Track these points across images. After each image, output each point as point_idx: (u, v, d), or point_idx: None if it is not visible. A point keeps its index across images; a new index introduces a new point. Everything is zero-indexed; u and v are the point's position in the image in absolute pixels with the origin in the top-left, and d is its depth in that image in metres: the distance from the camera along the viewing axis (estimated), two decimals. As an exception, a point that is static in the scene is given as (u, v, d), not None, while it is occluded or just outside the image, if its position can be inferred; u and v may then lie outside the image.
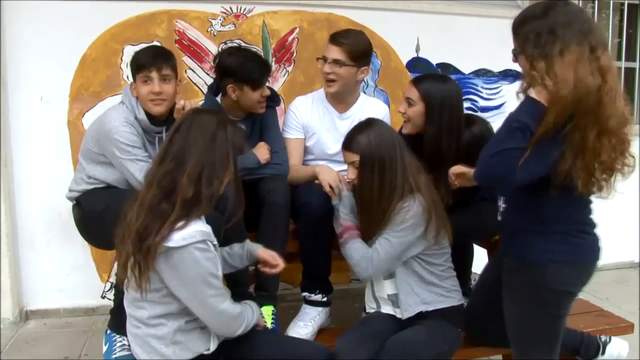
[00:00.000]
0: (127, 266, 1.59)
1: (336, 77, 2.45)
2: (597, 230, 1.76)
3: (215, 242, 1.67)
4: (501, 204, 1.85)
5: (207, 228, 1.63)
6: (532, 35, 1.61)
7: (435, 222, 1.93)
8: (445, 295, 2.01)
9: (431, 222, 1.92)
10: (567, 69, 1.53)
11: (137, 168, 2.15)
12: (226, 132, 1.67)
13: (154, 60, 2.19)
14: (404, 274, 1.99)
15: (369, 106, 2.62)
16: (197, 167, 1.59)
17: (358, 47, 2.43)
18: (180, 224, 1.55)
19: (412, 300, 1.98)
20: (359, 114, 2.55)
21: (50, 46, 3.00)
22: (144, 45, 3.05)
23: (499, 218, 1.87)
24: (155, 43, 3.11)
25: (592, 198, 1.72)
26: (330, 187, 2.20)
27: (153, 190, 1.59)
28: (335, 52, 2.42)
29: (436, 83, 2.28)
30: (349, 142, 2.03)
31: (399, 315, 2.01)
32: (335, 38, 2.44)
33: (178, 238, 1.54)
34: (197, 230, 1.57)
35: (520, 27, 1.67)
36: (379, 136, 1.98)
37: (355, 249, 2.01)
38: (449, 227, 1.98)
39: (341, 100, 2.57)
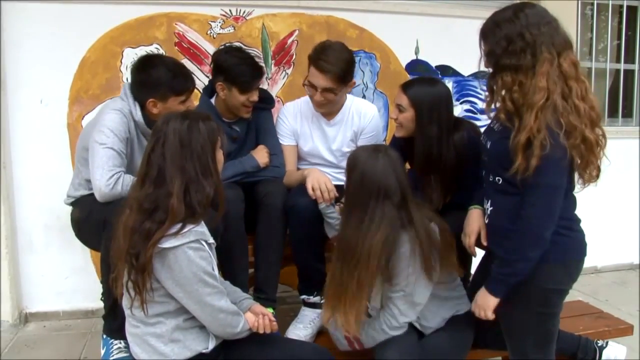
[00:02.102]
0: (124, 285, 1.61)
1: (327, 102, 2.41)
2: (582, 225, 1.79)
3: (211, 241, 1.67)
4: (488, 207, 1.85)
5: (201, 227, 1.63)
6: (504, 41, 1.66)
7: (439, 262, 1.85)
8: (457, 302, 2.01)
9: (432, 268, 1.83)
10: (539, 79, 1.61)
11: (108, 156, 2.07)
12: (200, 133, 1.65)
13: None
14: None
15: (356, 108, 2.56)
16: (182, 185, 1.59)
17: (345, 69, 2.34)
18: (173, 230, 1.56)
19: (434, 322, 1.97)
20: (346, 118, 2.55)
21: (50, 49, 3.01)
22: (144, 48, 3.09)
23: (486, 220, 1.88)
24: (155, 46, 3.12)
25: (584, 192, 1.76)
26: (314, 190, 2.20)
27: (134, 214, 1.60)
28: (323, 81, 2.32)
29: (424, 87, 2.24)
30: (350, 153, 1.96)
31: (421, 329, 1.99)
32: (320, 65, 2.31)
33: (172, 239, 1.56)
34: (190, 230, 1.58)
35: (491, 33, 1.71)
36: (367, 170, 1.82)
37: (373, 335, 1.91)
38: (456, 261, 1.92)
39: (330, 110, 2.53)
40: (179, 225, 1.57)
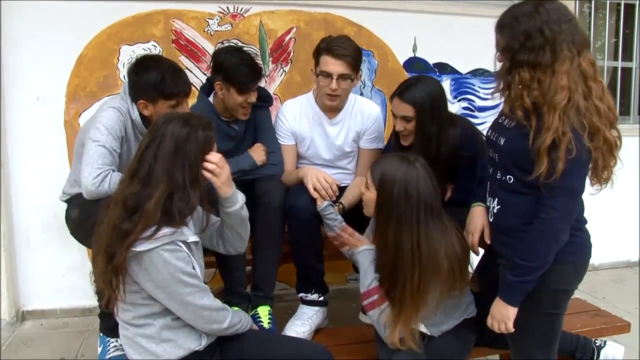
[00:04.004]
0: (103, 281, 1.60)
1: (342, 92, 2.40)
2: (587, 226, 1.78)
3: (191, 240, 1.64)
4: (494, 205, 1.82)
5: (179, 229, 1.59)
6: (522, 36, 1.62)
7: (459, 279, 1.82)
8: (467, 307, 1.98)
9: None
10: (561, 77, 1.57)
11: (98, 153, 2.06)
12: (197, 143, 1.63)
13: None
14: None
15: (359, 108, 2.56)
16: (165, 191, 1.57)
17: (357, 55, 2.37)
18: (147, 233, 1.54)
19: (445, 327, 1.93)
20: (348, 118, 2.54)
21: (47, 46, 3.00)
22: (141, 45, 3.08)
23: (490, 219, 1.85)
24: (152, 43, 3.11)
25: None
26: (316, 190, 2.20)
27: (119, 210, 1.58)
28: (340, 67, 2.32)
29: (420, 89, 2.21)
30: (372, 166, 1.90)
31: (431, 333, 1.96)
32: (335, 51, 2.31)
33: (145, 243, 1.54)
34: (164, 233, 1.56)
35: (508, 27, 1.66)
36: (411, 183, 1.77)
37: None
38: (469, 271, 1.91)
39: (336, 107, 2.52)
40: (153, 228, 1.55)
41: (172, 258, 1.56)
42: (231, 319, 1.72)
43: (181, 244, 1.60)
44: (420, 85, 2.23)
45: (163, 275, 1.56)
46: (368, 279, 1.87)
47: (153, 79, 2.12)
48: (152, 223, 1.54)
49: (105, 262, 1.56)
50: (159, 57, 2.35)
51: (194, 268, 1.63)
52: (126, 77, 2.28)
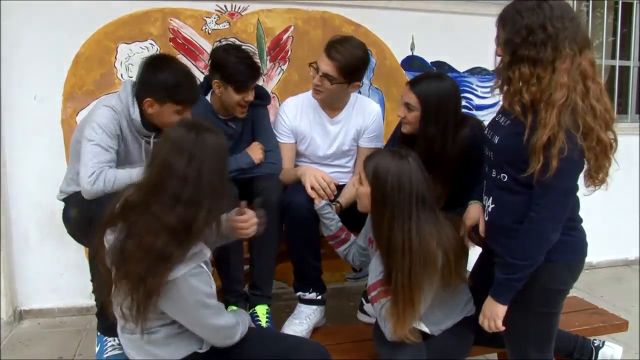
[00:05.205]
0: (120, 306, 1.57)
1: (324, 90, 2.39)
2: (583, 225, 1.78)
3: (207, 258, 1.61)
4: (489, 204, 1.82)
5: (201, 246, 1.57)
6: (524, 31, 1.61)
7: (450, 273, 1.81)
8: (466, 305, 1.97)
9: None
10: (561, 75, 1.57)
11: (93, 152, 2.05)
12: (226, 154, 1.64)
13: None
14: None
15: (359, 107, 2.57)
16: (210, 206, 1.54)
17: (350, 64, 2.32)
18: (179, 259, 1.51)
19: (444, 325, 1.93)
20: (349, 117, 2.54)
21: (44, 44, 2.98)
22: (138, 44, 3.08)
23: (486, 218, 1.85)
24: (150, 42, 3.10)
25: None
26: (314, 189, 2.20)
27: (165, 237, 1.49)
28: (325, 66, 2.32)
29: (432, 85, 2.21)
30: (366, 161, 1.90)
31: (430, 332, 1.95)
32: (330, 50, 2.31)
33: (179, 266, 1.51)
34: (193, 254, 1.53)
35: (511, 20, 1.65)
36: (404, 176, 1.78)
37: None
38: (465, 267, 1.92)
39: (331, 106, 2.52)
40: (182, 256, 1.50)
41: (198, 283, 1.54)
42: (242, 331, 1.72)
43: (204, 265, 1.58)
44: (433, 81, 2.24)
45: (188, 302, 1.55)
46: (376, 271, 1.87)
47: (169, 81, 2.10)
48: (196, 241, 1.52)
49: (135, 284, 1.50)
50: (176, 60, 2.30)
51: (211, 287, 1.62)
52: (124, 75, 2.27)
